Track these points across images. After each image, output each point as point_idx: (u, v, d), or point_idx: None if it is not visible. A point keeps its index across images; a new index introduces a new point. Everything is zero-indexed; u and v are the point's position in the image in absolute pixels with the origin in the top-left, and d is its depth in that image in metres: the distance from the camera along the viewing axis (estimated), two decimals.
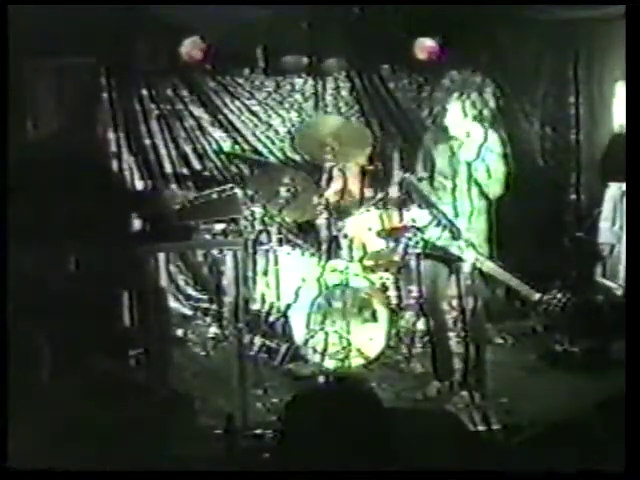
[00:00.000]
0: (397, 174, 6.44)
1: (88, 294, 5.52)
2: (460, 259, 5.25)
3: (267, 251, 6.73)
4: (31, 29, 5.93)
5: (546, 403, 5.32)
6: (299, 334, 6.23)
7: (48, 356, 4.97)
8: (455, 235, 5.28)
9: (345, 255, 6.52)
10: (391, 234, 6.13)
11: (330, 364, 6.11)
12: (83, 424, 3.94)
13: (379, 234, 6.28)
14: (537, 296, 5.18)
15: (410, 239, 5.29)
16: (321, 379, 5.97)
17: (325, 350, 6.07)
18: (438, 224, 5.36)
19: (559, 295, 5.15)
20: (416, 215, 5.70)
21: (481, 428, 4.93)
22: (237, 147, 7.88)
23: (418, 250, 5.49)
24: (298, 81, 7.84)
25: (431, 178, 5.75)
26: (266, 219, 6.79)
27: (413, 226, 5.60)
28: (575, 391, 5.54)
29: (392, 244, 6.20)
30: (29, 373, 4.70)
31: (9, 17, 4.65)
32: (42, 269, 5.29)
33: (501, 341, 7.05)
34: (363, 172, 6.99)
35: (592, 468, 3.13)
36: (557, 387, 5.84)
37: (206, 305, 7.84)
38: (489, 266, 5.22)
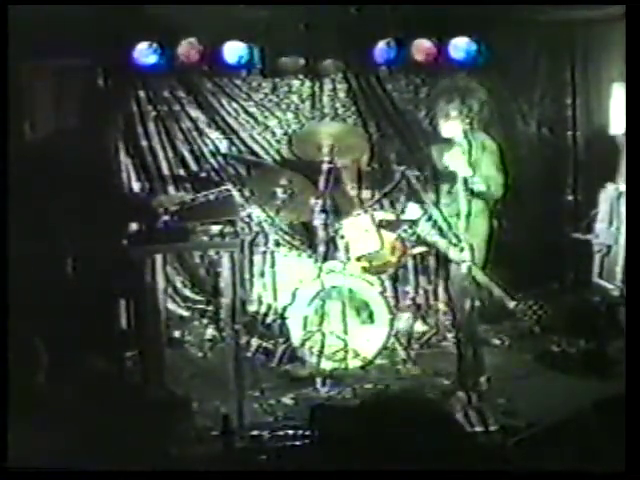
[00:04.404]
0: (394, 175, 6.45)
1: (85, 295, 5.52)
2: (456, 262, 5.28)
3: (264, 252, 6.72)
4: (30, 29, 5.92)
5: (543, 404, 5.31)
6: (296, 335, 6.22)
7: (46, 357, 4.96)
8: (444, 232, 5.33)
9: (342, 256, 6.51)
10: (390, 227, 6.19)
11: (327, 365, 6.10)
12: (82, 425, 3.94)
13: (380, 223, 6.31)
14: (512, 304, 5.19)
15: (406, 231, 5.34)
16: (318, 380, 5.97)
17: (322, 351, 6.05)
18: (429, 219, 5.41)
19: (535, 307, 5.16)
20: (409, 210, 5.75)
21: (478, 429, 4.93)
22: (234, 148, 7.88)
23: (418, 250, 5.56)
24: (295, 82, 7.84)
25: (426, 179, 5.78)
26: (263, 220, 6.79)
27: (408, 219, 5.65)
28: (572, 392, 5.53)
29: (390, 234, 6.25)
30: (28, 374, 4.70)
31: (9, 17, 4.65)
32: (39, 270, 5.28)
33: (498, 342, 7.04)
34: (360, 173, 6.98)
35: (592, 468, 3.13)
36: (554, 388, 5.83)
37: (203, 306, 7.84)
38: (475, 271, 5.26)
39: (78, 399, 4.39)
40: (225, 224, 5.61)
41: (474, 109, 5.54)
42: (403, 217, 6.17)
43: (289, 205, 6.69)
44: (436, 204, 5.74)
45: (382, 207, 6.75)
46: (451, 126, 5.62)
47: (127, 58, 7.15)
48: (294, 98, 7.88)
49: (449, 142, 5.73)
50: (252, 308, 6.72)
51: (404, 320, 6.77)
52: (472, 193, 5.52)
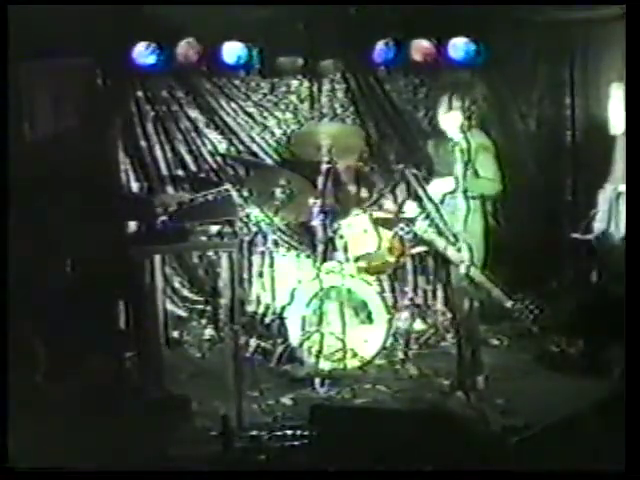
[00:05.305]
0: (393, 174, 6.44)
1: (84, 295, 5.51)
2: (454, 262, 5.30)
3: (262, 253, 6.73)
4: (30, 29, 5.92)
5: (543, 404, 5.31)
6: (295, 335, 6.23)
7: (46, 357, 4.96)
8: (441, 231, 5.35)
9: (340, 256, 6.51)
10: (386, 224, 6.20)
11: (326, 365, 6.10)
12: (82, 425, 3.94)
13: (377, 221, 6.31)
14: (509, 304, 5.23)
15: (403, 229, 5.36)
16: (317, 381, 5.97)
17: (320, 351, 6.06)
18: (426, 217, 5.43)
19: (532, 306, 5.19)
20: (408, 208, 5.75)
21: (478, 429, 4.92)
22: (233, 149, 7.86)
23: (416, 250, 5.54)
24: (294, 82, 7.83)
25: (424, 178, 5.80)
26: (262, 220, 6.79)
27: (405, 217, 5.66)
28: (572, 392, 5.53)
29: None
30: (28, 374, 4.70)
31: (9, 17, 4.65)
32: (38, 270, 5.28)
33: (497, 342, 7.06)
34: (359, 173, 6.98)
35: (592, 468, 3.13)
36: (554, 388, 5.83)
37: (202, 307, 7.83)
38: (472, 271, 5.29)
39: (78, 399, 4.40)
40: (224, 224, 5.62)
41: (475, 102, 5.56)
42: (401, 216, 6.17)
43: (288, 205, 6.69)
44: (433, 202, 5.74)
45: (381, 207, 6.74)
46: (451, 118, 5.62)
47: (126, 58, 7.14)
48: (293, 98, 7.88)
49: (447, 138, 5.74)
50: (251, 308, 6.73)
51: (402, 320, 6.77)
52: (472, 189, 5.52)
